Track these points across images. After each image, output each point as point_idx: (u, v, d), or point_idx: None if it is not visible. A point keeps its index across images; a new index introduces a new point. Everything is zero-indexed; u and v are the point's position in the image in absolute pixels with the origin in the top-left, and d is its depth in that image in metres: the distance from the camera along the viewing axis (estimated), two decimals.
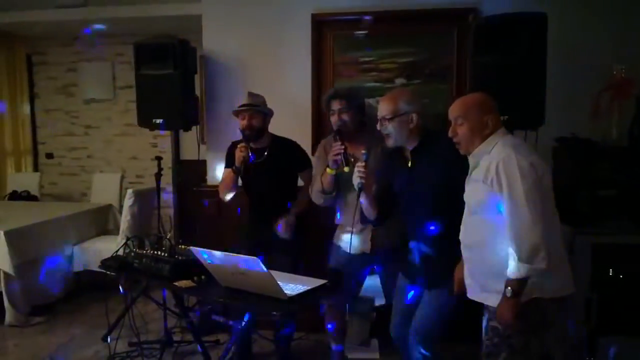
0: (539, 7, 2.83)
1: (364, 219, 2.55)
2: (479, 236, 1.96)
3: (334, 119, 2.73)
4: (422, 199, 2.29)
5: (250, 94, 3.00)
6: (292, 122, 3.65)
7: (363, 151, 2.35)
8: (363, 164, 2.31)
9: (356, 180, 2.30)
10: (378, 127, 2.36)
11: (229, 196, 3.03)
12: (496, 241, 1.89)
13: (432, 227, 2.24)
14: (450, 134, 2.04)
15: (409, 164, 2.34)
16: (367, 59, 3.64)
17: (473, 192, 1.99)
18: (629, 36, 3.31)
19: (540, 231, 1.78)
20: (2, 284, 3.74)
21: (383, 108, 2.32)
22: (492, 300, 1.92)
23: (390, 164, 2.47)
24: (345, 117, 2.69)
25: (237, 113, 2.98)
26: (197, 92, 3.66)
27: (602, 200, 2.77)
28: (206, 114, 3.85)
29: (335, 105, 2.71)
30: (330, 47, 3.69)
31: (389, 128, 2.29)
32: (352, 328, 3.35)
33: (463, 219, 2.05)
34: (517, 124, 2.66)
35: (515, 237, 1.81)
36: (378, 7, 3.54)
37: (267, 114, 3.00)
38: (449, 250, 2.15)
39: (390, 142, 2.34)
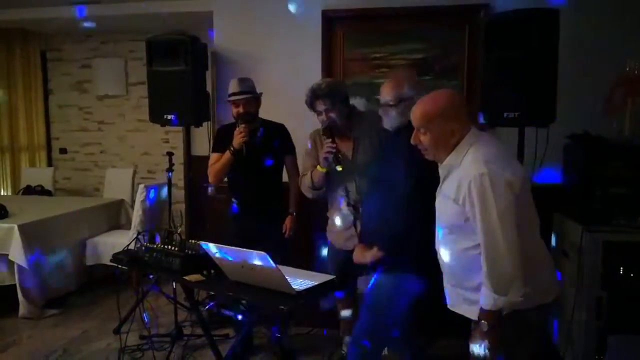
0: (551, 2, 2.80)
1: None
2: (454, 255, 1.82)
3: (321, 118, 2.67)
4: (380, 196, 2.18)
5: (241, 81, 3.03)
6: (302, 117, 3.66)
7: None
8: (330, 140, 2.54)
9: (324, 156, 2.50)
10: (380, 112, 2.25)
11: (220, 180, 3.07)
12: (472, 264, 1.75)
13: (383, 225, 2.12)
14: (412, 141, 1.84)
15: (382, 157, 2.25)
16: (377, 55, 3.64)
17: (444, 208, 1.83)
18: None
19: (516, 260, 1.62)
20: (16, 277, 3.81)
21: (386, 92, 2.17)
22: (475, 313, 1.76)
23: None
24: (332, 114, 2.63)
25: (231, 101, 3.01)
26: (208, 88, 3.67)
27: (614, 197, 2.74)
28: (217, 110, 3.87)
29: (320, 106, 2.64)
30: (340, 43, 3.69)
31: (392, 115, 2.16)
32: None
33: (436, 228, 1.90)
34: (528, 121, 2.65)
35: (488, 266, 1.65)
36: (388, 4, 3.53)
37: (259, 99, 3.05)
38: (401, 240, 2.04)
39: (390, 126, 2.22)
